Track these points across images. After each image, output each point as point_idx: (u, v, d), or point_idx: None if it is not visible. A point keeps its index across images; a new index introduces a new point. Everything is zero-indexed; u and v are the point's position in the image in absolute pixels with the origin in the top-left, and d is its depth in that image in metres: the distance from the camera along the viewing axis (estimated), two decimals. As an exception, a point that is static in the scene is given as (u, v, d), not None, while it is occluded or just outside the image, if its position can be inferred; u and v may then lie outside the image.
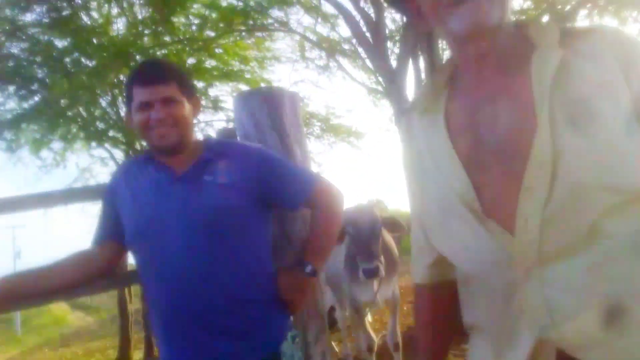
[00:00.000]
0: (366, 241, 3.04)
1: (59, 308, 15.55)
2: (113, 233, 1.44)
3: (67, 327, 14.86)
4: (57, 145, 7.26)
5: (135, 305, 8.84)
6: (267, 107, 1.66)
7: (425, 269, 0.96)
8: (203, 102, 6.96)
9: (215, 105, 7.23)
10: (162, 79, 1.34)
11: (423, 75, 5.34)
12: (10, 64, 6.21)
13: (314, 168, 1.74)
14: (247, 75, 7.59)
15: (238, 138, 1.71)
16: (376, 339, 3.68)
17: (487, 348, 0.83)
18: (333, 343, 4.76)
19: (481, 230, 0.75)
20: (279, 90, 1.70)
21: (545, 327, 0.71)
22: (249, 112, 1.67)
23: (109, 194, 1.48)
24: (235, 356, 1.32)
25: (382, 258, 3.08)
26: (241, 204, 1.36)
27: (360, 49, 6.04)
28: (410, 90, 5.52)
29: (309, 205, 1.48)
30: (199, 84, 7.15)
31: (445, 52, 6.83)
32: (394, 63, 5.47)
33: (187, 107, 1.40)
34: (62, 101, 6.39)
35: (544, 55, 0.75)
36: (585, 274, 0.68)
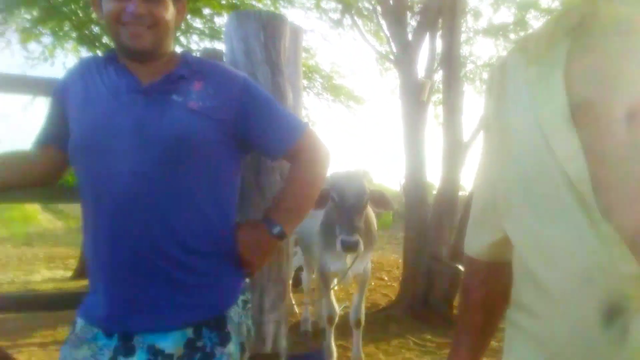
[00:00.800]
0: (350, 212, 2.84)
1: (30, 205, 15.36)
2: (56, 138, 1.22)
3: (34, 226, 14.70)
4: (47, 40, 6.83)
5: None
6: (264, 35, 1.40)
7: (484, 246, 0.83)
8: (206, 31, 6.59)
9: (216, 35, 6.83)
10: None
11: (437, 53, 5.01)
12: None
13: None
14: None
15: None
16: (339, 309, 3.54)
17: None
18: (294, 304, 4.65)
19: (590, 233, 0.57)
20: (282, 19, 1.43)
21: None
22: (242, 36, 1.41)
23: (59, 92, 1.23)
24: (172, 312, 1.10)
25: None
26: (210, 137, 1.13)
27: (379, 11, 5.65)
28: (421, 65, 5.24)
29: (290, 157, 1.25)
30: (205, 11, 6.74)
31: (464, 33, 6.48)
32: (410, 35, 5.13)
33: (171, 9, 1.16)
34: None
35: None
36: None
